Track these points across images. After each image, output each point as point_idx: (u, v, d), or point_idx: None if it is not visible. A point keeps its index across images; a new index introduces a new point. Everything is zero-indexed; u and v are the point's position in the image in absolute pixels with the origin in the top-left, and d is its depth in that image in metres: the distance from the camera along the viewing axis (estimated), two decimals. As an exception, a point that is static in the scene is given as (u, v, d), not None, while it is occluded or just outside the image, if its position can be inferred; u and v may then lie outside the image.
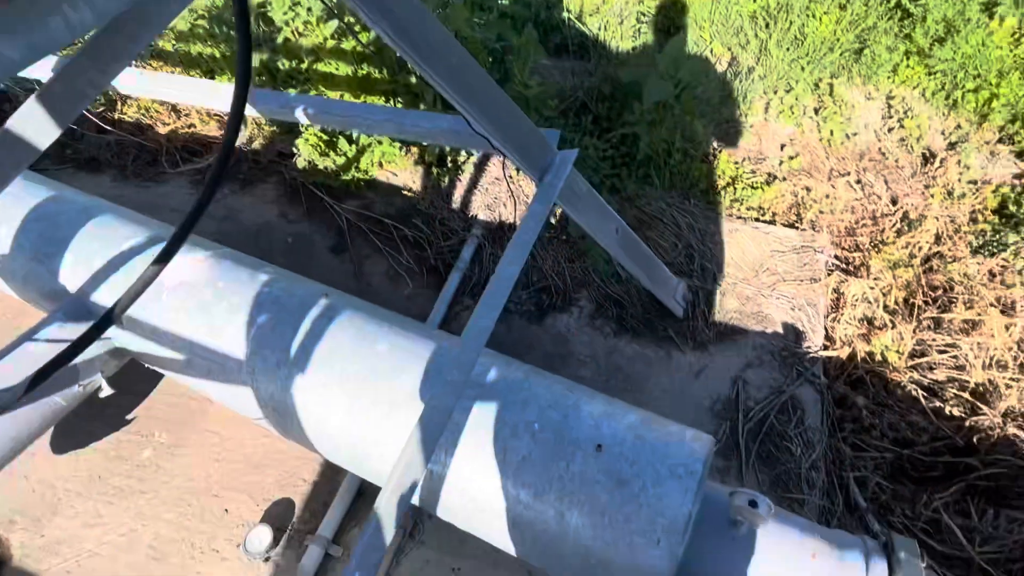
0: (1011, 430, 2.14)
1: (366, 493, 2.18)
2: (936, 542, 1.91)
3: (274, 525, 2.09)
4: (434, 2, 2.84)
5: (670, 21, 3.65)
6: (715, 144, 3.26)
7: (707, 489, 1.58)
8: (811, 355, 2.39)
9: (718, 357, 2.42)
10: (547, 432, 1.56)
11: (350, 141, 3.11)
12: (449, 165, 3.10)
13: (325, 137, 3.06)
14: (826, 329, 2.50)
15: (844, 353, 2.42)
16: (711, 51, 3.63)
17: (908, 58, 3.47)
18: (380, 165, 3.20)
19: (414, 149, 3.20)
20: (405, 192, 3.12)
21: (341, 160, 3.08)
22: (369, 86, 2.95)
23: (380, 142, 3.08)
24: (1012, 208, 2.91)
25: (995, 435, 2.11)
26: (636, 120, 2.99)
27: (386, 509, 1.15)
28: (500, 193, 2.99)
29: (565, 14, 3.67)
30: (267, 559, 2.04)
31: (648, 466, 1.49)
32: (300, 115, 2.01)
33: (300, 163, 3.11)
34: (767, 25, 3.70)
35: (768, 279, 2.65)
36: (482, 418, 1.60)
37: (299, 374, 1.77)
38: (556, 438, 1.55)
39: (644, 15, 3.82)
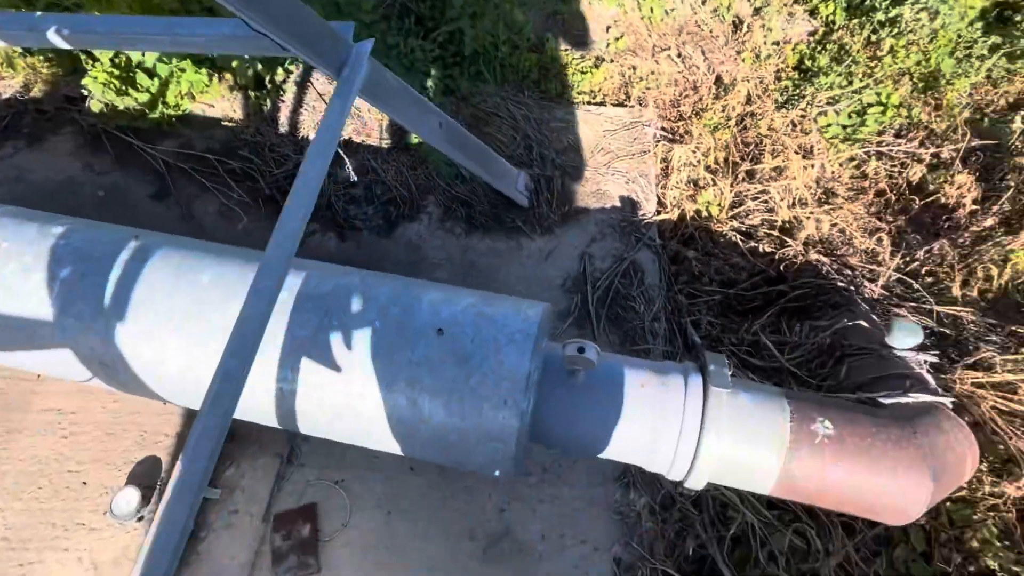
0: (812, 256, 2.46)
1: (237, 433, 2.13)
2: (758, 360, 2.21)
3: (142, 484, 2.01)
4: None
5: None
6: (546, 35, 3.25)
7: (548, 350, 1.69)
8: (646, 221, 2.56)
9: (564, 238, 2.54)
10: (389, 327, 1.58)
11: (151, 75, 2.78)
12: (268, 87, 2.88)
13: (118, 72, 2.71)
14: (658, 196, 2.68)
15: (675, 215, 2.62)
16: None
17: (712, -72, 3.58)
18: (192, 97, 2.90)
19: (227, 75, 2.92)
20: (226, 123, 2.87)
21: (144, 97, 2.76)
22: (153, 7, 2.61)
23: (183, 69, 2.78)
24: (808, 63, 3.19)
25: (799, 262, 2.42)
26: (458, 15, 2.90)
27: (205, 424, 1.13)
28: (330, 110, 2.84)
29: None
30: (140, 518, 1.97)
31: (489, 339, 1.57)
32: (54, 38, 1.75)
33: (95, 106, 2.75)
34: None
35: (603, 158, 2.77)
36: (321, 327, 1.59)
37: (119, 322, 1.64)
38: (398, 330, 1.58)
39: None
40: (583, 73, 3.10)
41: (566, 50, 3.19)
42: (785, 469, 1.54)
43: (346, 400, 1.58)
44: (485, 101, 2.90)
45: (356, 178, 2.40)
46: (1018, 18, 2.87)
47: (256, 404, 1.65)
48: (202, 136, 2.83)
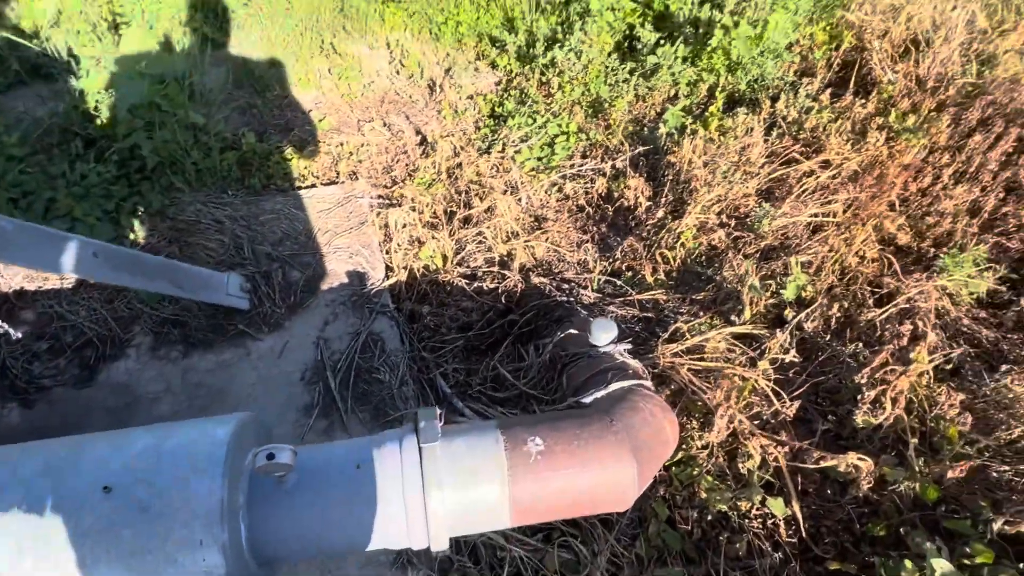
0: (534, 280, 2.67)
1: None
2: (502, 392, 2.31)
3: None
4: None
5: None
6: (242, 130, 3.19)
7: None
8: (376, 289, 2.58)
9: (295, 329, 2.45)
10: (38, 505, 1.36)
11: None
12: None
13: None
14: (385, 262, 2.72)
15: (404, 276, 2.68)
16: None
17: (386, 6, 3.86)
18: None
19: None
20: None
21: None
22: None
23: None
24: (499, 110, 3.53)
25: (520, 289, 2.60)
26: (128, 130, 2.72)
27: None
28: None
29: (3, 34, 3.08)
30: None
31: (170, 478, 1.42)
32: None
33: None
34: (246, 3, 3.70)
35: (323, 238, 2.76)
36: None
37: None
38: (55, 505, 1.36)
39: (117, 15, 3.45)
40: (287, 160, 3.08)
41: (262, 138, 3.15)
42: (512, 497, 1.59)
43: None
44: (183, 211, 2.73)
45: (17, 335, 2.07)
46: (639, 46, 3.47)
47: None
48: None
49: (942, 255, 2.53)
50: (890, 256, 2.60)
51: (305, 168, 3.11)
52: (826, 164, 2.96)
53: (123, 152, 2.76)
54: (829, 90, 3.27)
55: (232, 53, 3.66)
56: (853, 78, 3.36)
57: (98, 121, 2.83)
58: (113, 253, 1.92)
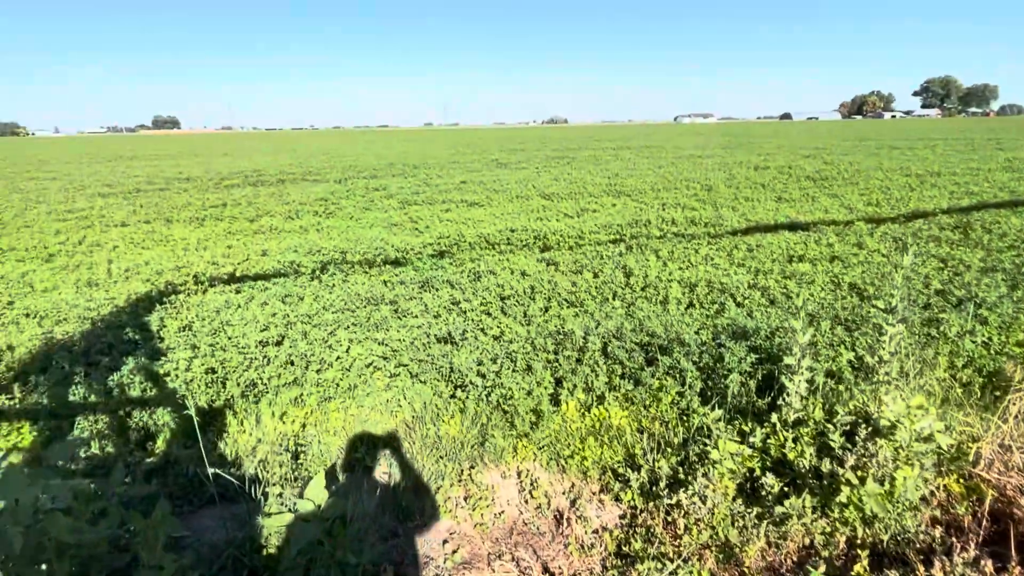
0: None
1: None
2: None
3: None
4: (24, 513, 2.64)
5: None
6: (383, 564, 3.37)
7: None
8: None
9: None
10: None
11: None
12: None
13: None
14: None
15: None
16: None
17: (519, 440, 4.39)
18: None
19: None
20: None
21: None
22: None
23: None
24: (625, 548, 3.55)
25: None
26: (291, 565, 2.97)
27: None
28: None
29: (209, 469, 3.75)
30: None
31: None
32: None
33: None
34: (409, 434, 4.36)
35: None
36: None
37: None
38: None
39: (304, 447, 4.15)
40: (421, 601, 3.13)
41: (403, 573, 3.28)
42: None
43: None
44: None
45: None
46: (763, 492, 3.58)
47: None
48: None
49: None
50: None
51: (436, 611, 3.11)
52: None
53: (279, 584, 2.96)
54: (991, 561, 3.05)
55: (379, 480, 4.16)
56: (1012, 539, 3.16)
57: (265, 552, 3.15)
58: None
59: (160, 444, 4.36)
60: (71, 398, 4.93)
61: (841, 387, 4.65)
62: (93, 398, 4.94)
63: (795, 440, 3.85)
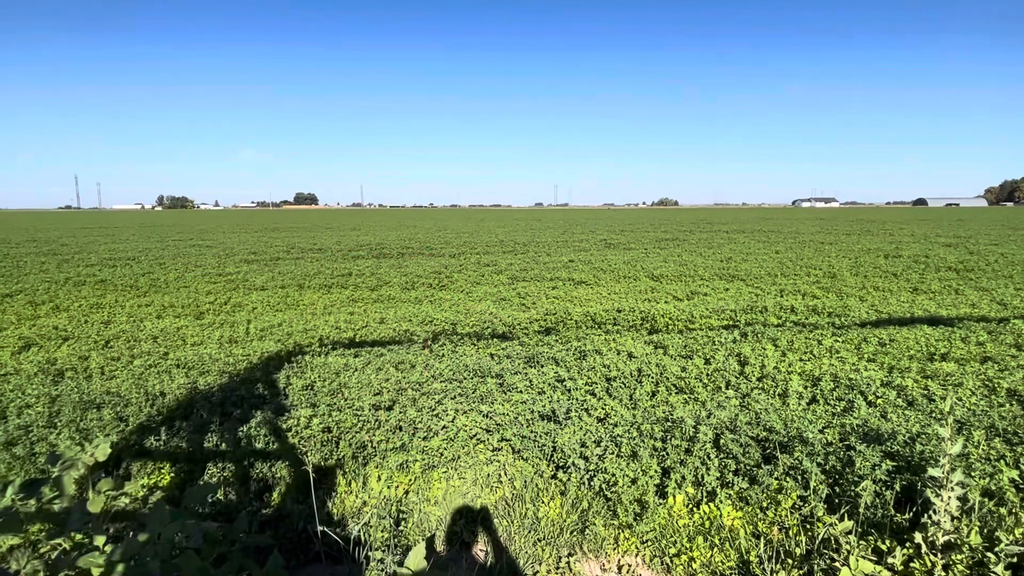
0: None
1: None
2: None
3: None
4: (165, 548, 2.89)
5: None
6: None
7: None
8: None
9: None
10: None
11: None
12: None
13: None
14: None
15: None
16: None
17: (621, 531, 4.17)
18: None
19: None
20: None
21: None
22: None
23: None
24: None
25: None
26: (386, 637, 2.96)
27: None
28: None
29: (319, 527, 3.90)
30: None
31: None
32: None
33: None
34: (508, 512, 4.30)
35: None
36: None
37: None
38: None
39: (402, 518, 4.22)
40: None
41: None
42: None
43: None
44: None
45: None
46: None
47: None
48: None
49: None
50: None
51: None
52: None
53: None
54: None
55: (476, 557, 4.09)
56: None
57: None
58: None
59: (275, 497, 4.62)
60: (206, 445, 5.41)
61: (1003, 510, 4.00)
62: (224, 447, 5.39)
63: (946, 567, 3.33)
